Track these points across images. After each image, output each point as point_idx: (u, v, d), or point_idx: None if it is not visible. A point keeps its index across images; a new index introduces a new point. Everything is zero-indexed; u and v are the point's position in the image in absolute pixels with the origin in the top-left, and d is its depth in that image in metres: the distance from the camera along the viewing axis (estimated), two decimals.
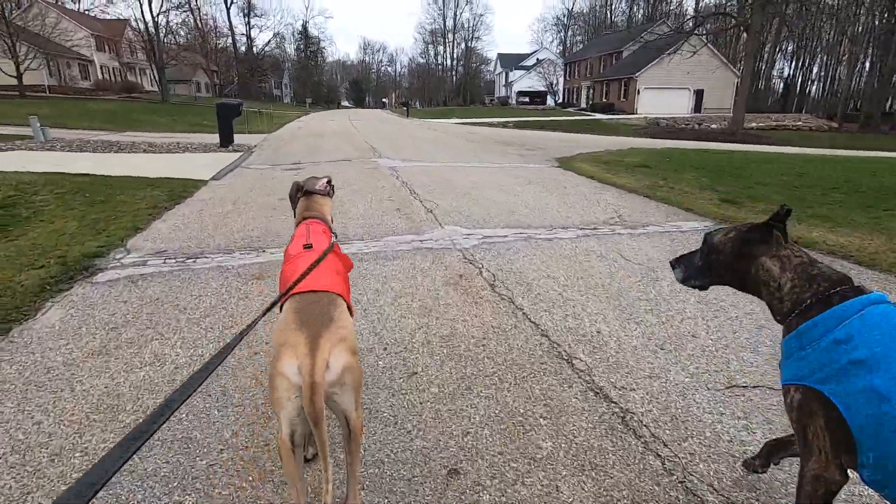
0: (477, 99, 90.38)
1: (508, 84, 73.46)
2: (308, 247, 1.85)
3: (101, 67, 49.57)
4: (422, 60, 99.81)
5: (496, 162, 10.84)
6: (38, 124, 12.89)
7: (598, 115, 38.09)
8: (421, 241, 4.89)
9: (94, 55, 48.05)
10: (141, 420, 1.75)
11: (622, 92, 42.29)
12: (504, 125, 28.72)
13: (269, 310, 1.53)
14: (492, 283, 3.76)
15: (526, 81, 68.07)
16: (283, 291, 1.60)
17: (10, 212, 6.30)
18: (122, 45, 51.92)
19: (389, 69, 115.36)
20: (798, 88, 56.80)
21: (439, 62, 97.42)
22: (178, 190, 7.50)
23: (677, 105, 40.77)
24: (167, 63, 40.01)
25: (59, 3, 51.52)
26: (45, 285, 3.77)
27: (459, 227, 5.38)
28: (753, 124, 32.35)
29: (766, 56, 54.39)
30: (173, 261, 4.37)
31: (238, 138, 14.74)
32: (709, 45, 37.84)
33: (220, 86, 64.27)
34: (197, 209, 6.39)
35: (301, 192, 2.31)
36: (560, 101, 59.08)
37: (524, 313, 3.28)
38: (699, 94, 41.34)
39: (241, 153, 12.24)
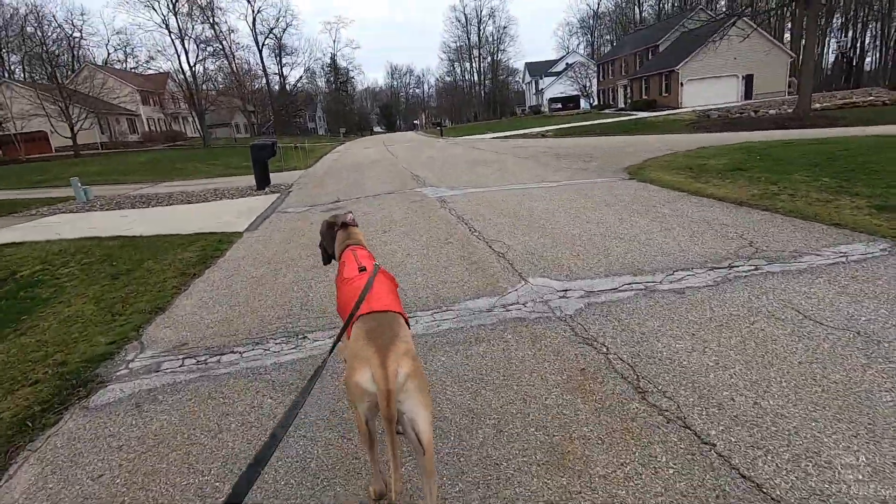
0: (507, 111, 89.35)
1: (539, 92, 72.09)
2: (362, 269, 2.09)
3: (146, 120, 51.96)
4: (448, 79, 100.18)
5: (556, 179, 9.60)
6: (80, 185, 12.73)
7: (641, 114, 36.07)
8: (504, 305, 3.73)
9: (139, 109, 50.44)
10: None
11: (663, 87, 40.07)
12: (543, 135, 27.41)
13: (338, 340, 1.90)
14: (635, 384, 2.52)
15: (557, 87, 66.49)
16: (350, 315, 1.83)
17: (32, 292, 5.65)
18: (164, 96, 54.38)
19: (417, 91, 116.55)
20: (853, 62, 52.51)
21: (466, 78, 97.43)
22: (210, 249, 6.71)
23: (725, 94, 38.14)
24: (206, 108, 41.29)
25: (107, 65, 54.70)
26: (28, 418, 2.86)
27: (548, 278, 4.18)
28: (817, 105, 29.56)
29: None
30: (193, 361, 3.40)
31: (275, 177, 14.22)
32: (759, 28, 35.28)
33: (258, 125, 66.25)
34: (228, 273, 5.51)
35: (338, 227, 2.54)
36: (595, 103, 57.11)
37: (724, 457, 1.96)
38: (749, 80, 38.56)
39: (277, 195, 11.58)
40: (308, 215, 8.48)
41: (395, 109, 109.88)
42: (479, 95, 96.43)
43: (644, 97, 42.42)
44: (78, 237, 8.25)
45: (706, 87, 37.92)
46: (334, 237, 2.54)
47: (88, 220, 9.99)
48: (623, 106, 47.69)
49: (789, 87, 38.29)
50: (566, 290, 3.85)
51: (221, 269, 5.74)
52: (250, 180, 13.07)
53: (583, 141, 20.04)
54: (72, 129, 34.13)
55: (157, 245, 7.21)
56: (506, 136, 28.37)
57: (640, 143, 16.00)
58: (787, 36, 45.99)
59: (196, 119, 42.91)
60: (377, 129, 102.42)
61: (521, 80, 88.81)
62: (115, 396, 3.03)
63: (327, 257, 2.66)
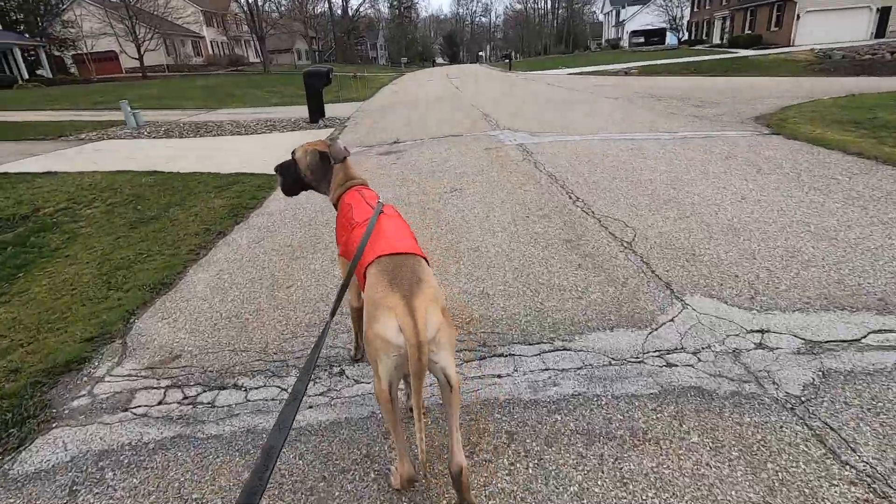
0: (581, 44, 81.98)
1: (620, 24, 65.02)
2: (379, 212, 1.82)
3: (210, 43, 51.42)
4: (519, 6, 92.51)
5: (669, 128, 7.67)
6: (129, 109, 11.98)
7: (743, 52, 31.23)
8: (660, 351, 2.29)
9: (203, 30, 49.78)
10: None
11: (772, 20, 34.26)
12: (627, 72, 24.15)
13: (342, 292, 1.53)
14: None
15: (641, 18, 59.47)
16: (356, 256, 1.62)
17: (43, 238, 4.80)
18: (227, 18, 53.28)
19: (484, 20, 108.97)
20: None
21: (539, 6, 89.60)
22: (246, 197, 5.61)
23: (852, 30, 32.11)
24: (267, 32, 39.85)
25: None
26: None
27: (720, 300, 2.66)
28: None
29: None
30: (179, 396, 2.27)
31: (330, 109, 12.90)
32: None
33: (319, 52, 64.37)
34: (258, 236, 4.36)
35: (336, 161, 2.13)
36: (685, 38, 50.58)
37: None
38: (884, 14, 32.16)
39: (331, 130, 10.29)
40: (361, 160, 7.16)
41: (459, 40, 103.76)
42: (552, 26, 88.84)
43: (747, 31, 36.73)
44: (114, 170, 7.40)
45: (829, 20, 32.03)
46: (327, 172, 2.17)
47: (132, 149, 9.18)
48: (720, 42, 41.81)
49: None
50: (763, 332, 2.34)
51: (252, 229, 4.60)
52: (305, 111, 11.82)
53: (679, 81, 17.14)
54: (138, 49, 33.94)
55: (191, 186, 6.19)
56: (583, 73, 25.30)
57: (757, 87, 13.22)
58: None
59: (257, 44, 41.70)
60: (440, 60, 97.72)
61: (598, 10, 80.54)
62: (49, 461, 1.95)
63: (293, 186, 2.25)
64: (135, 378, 2.44)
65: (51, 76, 33.79)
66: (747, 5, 37.42)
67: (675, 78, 19.33)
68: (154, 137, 10.57)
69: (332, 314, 1.49)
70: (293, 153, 2.21)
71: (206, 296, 3.28)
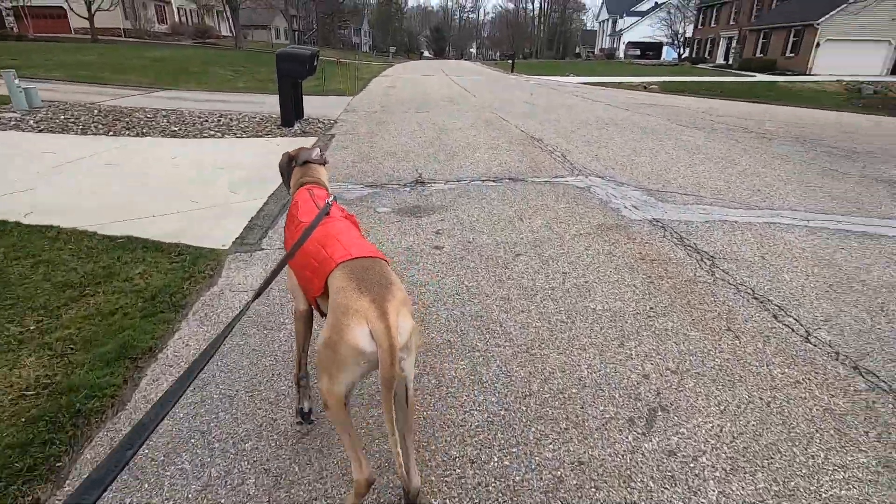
0: (571, 51, 79.99)
1: (616, 34, 63.12)
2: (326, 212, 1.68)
3: (177, 10, 46.32)
4: (510, 5, 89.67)
5: (879, 211, 4.82)
6: (17, 82, 8.31)
7: (759, 76, 29.29)
8: None
9: None
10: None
11: (789, 44, 32.49)
12: (645, 87, 21.59)
13: (274, 277, 1.34)
14: None
15: (639, 30, 57.73)
16: (290, 251, 1.49)
17: None
18: None
19: (472, 15, 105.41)
20: None
21: (531, 8, 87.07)
22: (131, 333, 2.35)
23: (869, 63, 30.63)
24: (241, 3, 35.47)
25: None
26: None
27: None
28: None
29: None
30: None
31: (311, 105, 9.57)
32: None
33: (300, 32, 59.73)
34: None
35: (296, 162, 2.06)
36: (685, 55, 48.81)
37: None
38: None
39: (313, 139, 7.00)
40: (366, 217, 4.00)
41: (446, 33, 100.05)
42: (542, 30, 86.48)
43: (759, 55, 34.97)
44: None
45: (846, 52, 30.44)
46: (292, 174, 2.08)
47: None
48: (725, 62, 40.06)
49: None
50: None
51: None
52: (276, 103, 8.43)
53: (725, 105, 14.54)
54: (88, 7, 29.14)
55: (21, 274, 2.87)
56: (600, 84, 22.54)
57: (846, 125, 10.65)
58: None
59: (229, 15, 37.18)
60: (426, 53, 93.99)
61: (594, 18, 78.74)
62: None
63: None
64: None
65: None
66: (761, 27, 35.63)
67: (713, 101, 16.76)
68: (43, 130, 7.02)
69: (256, 295, 1.33)
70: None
71: None
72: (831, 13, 29.79)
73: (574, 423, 1.94)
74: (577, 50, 78.45)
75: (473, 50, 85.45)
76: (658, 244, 3.66)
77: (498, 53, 75.67)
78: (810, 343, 2.47)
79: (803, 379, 2.20)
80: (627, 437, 1.86)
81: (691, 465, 1.75)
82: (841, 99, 20.79)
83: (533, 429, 1.90)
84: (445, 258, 3.36)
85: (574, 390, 2.11)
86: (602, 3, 70.46)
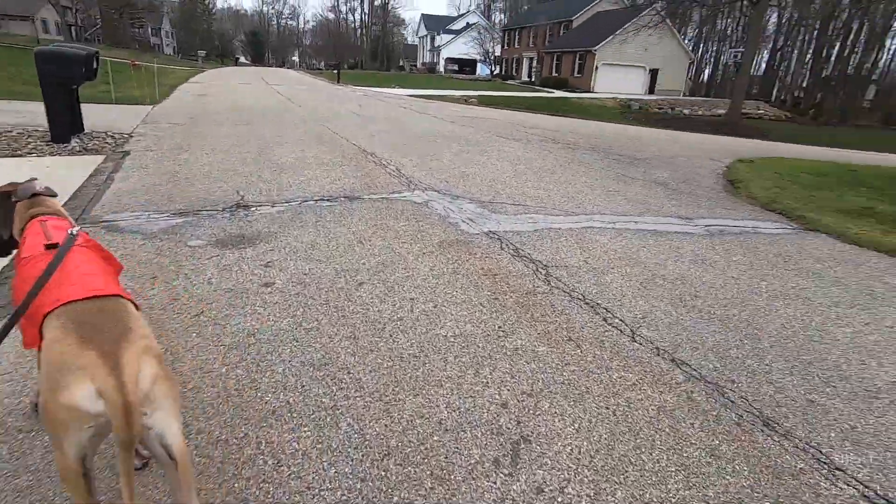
0: (394, 63, 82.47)
1: (435, 49, 66.92)
2: (52, 246, 1.42)
3: None
4: (331, 16, 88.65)
5: (675, 211, 5.70)
6: None
7: (557, 92, 33.78)
8: None
9: None
10: None
11: (576, 66, 38.23)
12: (466, 100, 23.21)
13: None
14: None
15: (456, 47, 62.10)
16: (21, 307, 1.24)
17: None
18: None
19: (291, 23, 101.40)
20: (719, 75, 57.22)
21: (353, 19, 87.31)
22: None
23: (633, 84, 37.69)
24: None
25: None
26: None
27: None
28: (721, 111, 29.99)
29: (709, 40, 53.58)
30: None
31: (97, 116, 7.88)
32: (668, 21, 34.86)
33: (79, 27, 50.24)
34: None
35: (15, 198, 1.68)
36: (496, 71, 54.01)
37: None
38: (654, 74, 38.68)
39: (99, 163, 5.69)
40: (166, 261, 3.34)
41: (264, 39, 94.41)
42: (366, 42, 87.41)
43: (555, 74, 40.37)
44: None
45: (617, 75, 37.00)
46: (11, 211, 1.69)
47: None
48: (530, 80, 45.36)
49: (735, 89, 39.32)
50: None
51: None
52: (42, 112, 6.71)
53: (538, 119, 16.37)
54: None
55: None
56: (422, 96, 23.45)
57: (637, 137, 12.80)
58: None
59: None
60: (242, 59, 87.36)
61: (414, 33, 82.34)
62: None
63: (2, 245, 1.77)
64: None
65: None
66: (553, 51, 41.23)
67: (521, 113, 18.74)
68: None
69: None
70: None
71: None
72: (602, 43, 35.80)
73: (439, 478, 1.75)
74: (402, 62, 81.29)
75: (296, 58, 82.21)
76: (497, 257, 3.74)
77: (322, 62, 74.07)
78: (637, 342, 2.70)
79: (638, 380, 2.37)
80: (495, 483, 1.74)
81: (559, 499, 1.69)
82: (617, 113, 25.09)
83: (396, 498, 1.66)
84: (278, 296, 2.93)
85: (436, 438, 1.93)
86: (420, 20, 74.12)
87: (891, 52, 45.48)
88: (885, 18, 37.43)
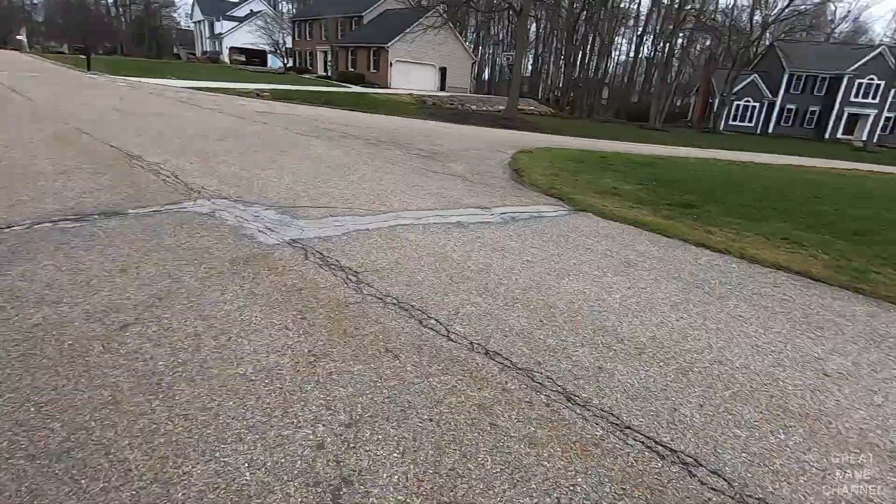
0: (167, 50, 72.02)
1: (216, 37, 60.33)
2: None
3: None
4: None
5: (471, 201, 5.93)
6: None
7: (356, 87, 33.65)
8: None
9: None
10: None
11: (372, 62, 38.63)
12: (258, 94, 21.46)
13: None
14: None
15: (241, 36, 56.98)
16: None
17: None
18: None
19: None
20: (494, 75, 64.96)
21: None
22: None
23: (427, 82, 39.83)
24: None
25: None
26: None
27: None
28: (501, 107, 33.82)
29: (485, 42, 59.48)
30: None
31: None
32: (450, 24, 37.71)
33: None
34: None
35: None
36: (291, 65, 51.28)
37: None
38: (443, 73, 41.46)
39: None
40: None
41: None
42: (124, 24, 74.05)
43: (352, 69, 40.14)
44: None
45: (411, 72, 38.60)
46: None
47: None
48: (326, 74, 44.23)
49: (511, 88, 43.30)
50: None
51: None
52: None
53: (337, 114, 16.00)
54: None
55: None
56: (205, 88, 20.87)
57: (429, 132, 13.38)
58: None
59: None
60: None
61: (188, 17, 72.75)
62: None
63: None
64: None
65: None
66: (347, 45, 40.90)
67: (321, 108, 18.13)
68: None
69: None
70: None
71: None
72: (394, 40, 36.86)
73: None
74: (176, 50, 71.30)
75: (23, 38, 65.15)
76: (302, 269, 3.39)
77: (65, 46, 60.26)
78: (452, 340, 2.70)
79: (457, 382, 2.34)
80: None
81: None
82: (414, 108, 26.18)
83: None
84: None
85: None
86: (194, 3, 65.80)
87: (615, 60, 57.56)
88: (608, 34, 47.05)
